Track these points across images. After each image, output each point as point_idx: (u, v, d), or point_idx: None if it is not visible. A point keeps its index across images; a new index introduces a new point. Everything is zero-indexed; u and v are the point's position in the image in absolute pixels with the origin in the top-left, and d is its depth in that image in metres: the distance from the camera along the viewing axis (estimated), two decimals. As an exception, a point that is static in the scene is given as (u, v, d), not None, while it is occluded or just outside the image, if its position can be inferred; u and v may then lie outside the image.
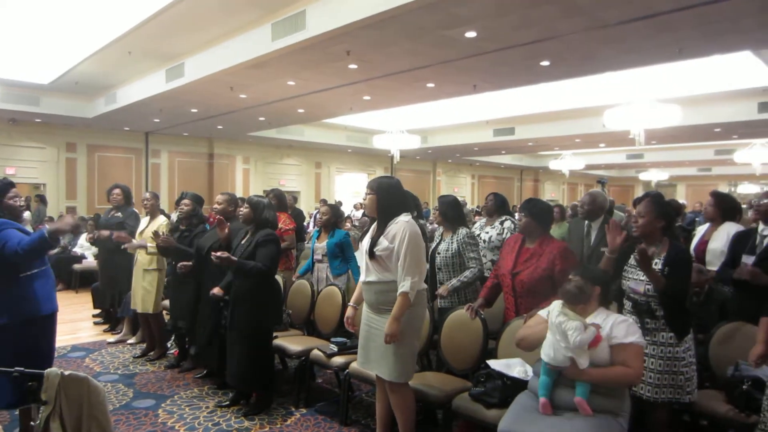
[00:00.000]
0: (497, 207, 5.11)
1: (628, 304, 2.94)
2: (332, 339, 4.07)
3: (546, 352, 2.56)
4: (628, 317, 2.71)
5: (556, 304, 2.63)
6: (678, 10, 5.45)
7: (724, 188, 22.80)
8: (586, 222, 4.49)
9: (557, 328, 2.50)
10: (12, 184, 3.37)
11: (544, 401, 2.54)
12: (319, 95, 9.86)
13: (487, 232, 4.96)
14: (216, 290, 4.03)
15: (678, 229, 6.55)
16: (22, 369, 1.86)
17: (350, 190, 20.57)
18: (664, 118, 9.72)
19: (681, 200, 13.30)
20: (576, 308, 2.58)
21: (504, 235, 4.79)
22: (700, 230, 4.52)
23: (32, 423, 1.98)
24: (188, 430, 3.61)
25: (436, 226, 4.99)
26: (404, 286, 2.90)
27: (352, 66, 7.82)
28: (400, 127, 13.83)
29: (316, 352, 3.98)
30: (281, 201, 5.83)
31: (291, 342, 4.24)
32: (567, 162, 18.99)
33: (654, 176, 24.82)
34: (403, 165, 20.34)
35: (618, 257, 3.01)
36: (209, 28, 7.65)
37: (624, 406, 2.52)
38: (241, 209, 4.08)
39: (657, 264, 2.85)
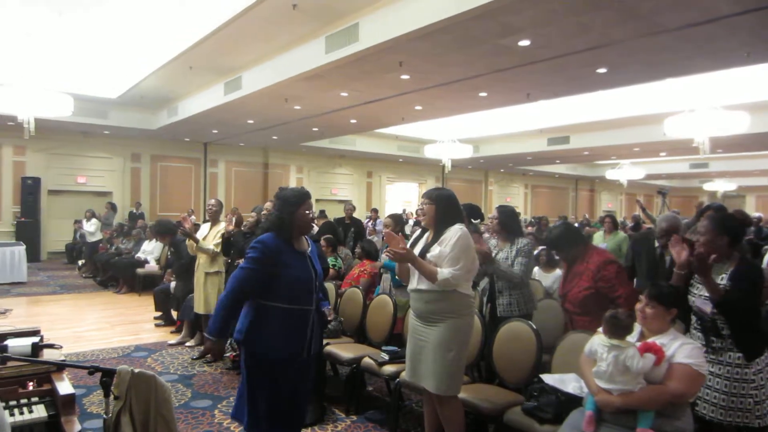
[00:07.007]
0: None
1: (694, 320, 2.83)
2: (383, 347, 4.08)
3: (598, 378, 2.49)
4: (696, 341, 2.61)
5: (600, 338, 2.54)
6: (743, 13, 5.24)
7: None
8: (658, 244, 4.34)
9: (614, 362, 2.42)
10: (309, 195, 2.89)
11: (589, 415, 2.47)
12: (372, 106, 10.00)
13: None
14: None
15: (746, 243, 6.22)
16: (97, 365, 1.98)
17: (401, 199, 20.64)
18: (731, 126, 9.32)
19: (756, 213, 12.45)
20: (621, 338, 2.47)
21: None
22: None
23: (105, 416, 2.10)
24: (243, 432, 3.71)
25: (487, 236, 4.89)
26: (442, 273, 2.86)
27: (405, 77, 7.89)
28: (451, 136, 13.81)
29: (367, 360, 4.01)
30: None
31: (342, 349, 4.29)
32: (625, 171, 18.39)
33: (720, 186, 23.66)
34: (454, 174, 20.27)
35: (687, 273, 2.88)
36: (265, 43, 7.90)
37: (686, 428, 2.42)
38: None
39: (723, 279, 2.74)
